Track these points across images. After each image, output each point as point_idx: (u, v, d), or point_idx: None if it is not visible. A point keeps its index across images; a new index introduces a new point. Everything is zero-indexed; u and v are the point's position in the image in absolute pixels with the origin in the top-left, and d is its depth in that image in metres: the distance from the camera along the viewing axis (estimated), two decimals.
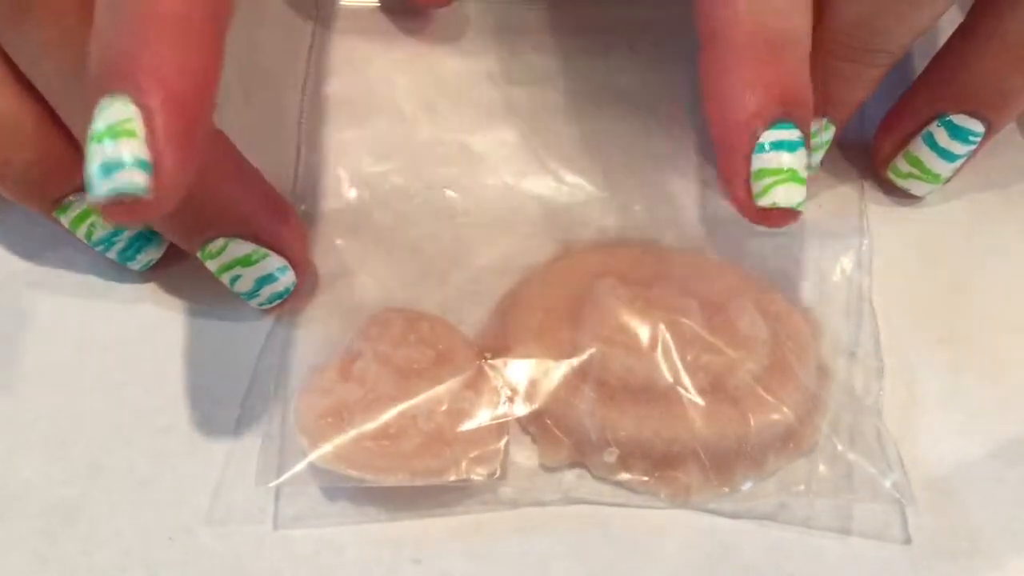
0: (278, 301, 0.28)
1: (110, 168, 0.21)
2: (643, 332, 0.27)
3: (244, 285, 0.27)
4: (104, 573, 0.25)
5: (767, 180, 0.26)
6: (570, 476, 0.27)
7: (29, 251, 0.30)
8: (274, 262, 0.27)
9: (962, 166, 0.31)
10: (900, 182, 0.31)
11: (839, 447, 0.27)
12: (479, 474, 0.25)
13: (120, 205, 0.21)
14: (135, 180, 0.21)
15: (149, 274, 0.30)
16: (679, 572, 0.26)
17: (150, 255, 0.29)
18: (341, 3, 0.35)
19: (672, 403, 0.26)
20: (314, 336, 0.28)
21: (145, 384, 0.28)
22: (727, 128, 0.27)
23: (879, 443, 0.27)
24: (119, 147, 0.21)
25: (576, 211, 0.31)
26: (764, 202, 0.26)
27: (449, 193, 0.31)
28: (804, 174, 0.26)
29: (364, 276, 0.30)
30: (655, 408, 0.26)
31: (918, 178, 0.31)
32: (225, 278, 0.27)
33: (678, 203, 0.31)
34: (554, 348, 0.27)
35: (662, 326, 0.27)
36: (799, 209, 0.26)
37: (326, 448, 0.25)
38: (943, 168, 0.30)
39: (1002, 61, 0.28)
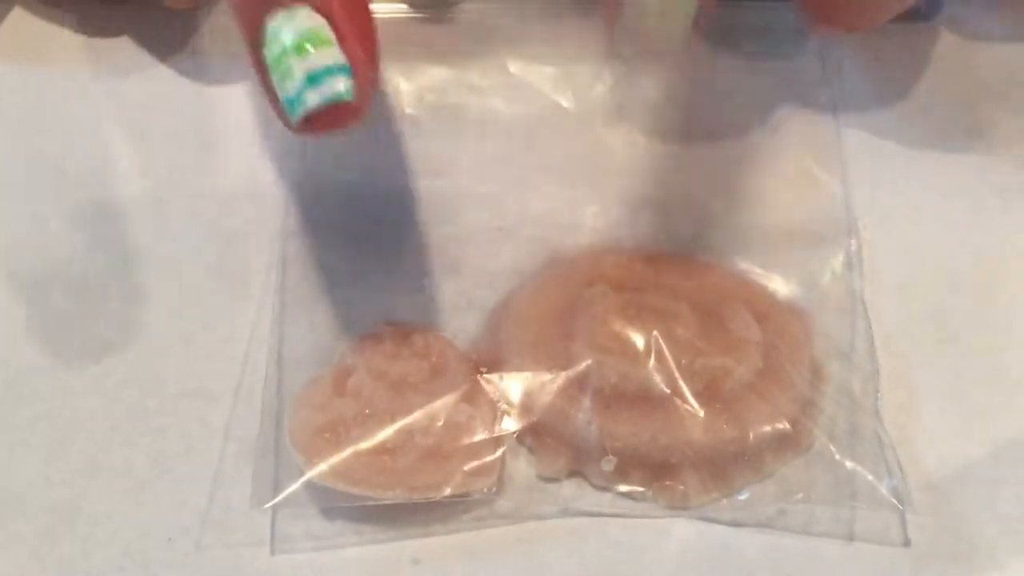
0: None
1: (316, 78, 0.22)
2: (637, 339, 0.27)
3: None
4: (103, 573, 0.25)
5: None
6: (568, 488, 0.27)
7: (29, 251, 0.30)
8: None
9: None
10: None
11: (837, 455, 0.27)
12: (477, 488, 0.25)
13: (326, 115, 0.22)
14: (342, 87, 0.22)
15: (148, 272, 0.30)
16: (679, 574, 0.26)
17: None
18: None
19: (668, 410, 0.26)
20: (306, 350, 0.28)
21: (144, 385, 0.28)
22: None
23: (878, 447, 0.27)
24: (320, 57, 0.22)
25: (564, 219, 0.31)
26: None
27: (438, 203, 0.31)
28: None
29: (355, 288, 0.29)
30: (651, 415, 0.26)
31: None
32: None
33: (666, 208, 0.31)
34: (549, 359, 0.27)
35: (655, 332, 0.27)
36: None
37: (322, 466, 0.25)
38: None
39: None
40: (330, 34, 0.23)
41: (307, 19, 0.23)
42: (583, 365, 0.26)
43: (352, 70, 0.23)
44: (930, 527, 0.26)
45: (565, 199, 0.32)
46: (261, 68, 0.24)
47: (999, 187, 0.33)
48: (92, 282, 0.29)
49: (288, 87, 0.23)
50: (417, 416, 0.26)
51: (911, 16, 0.34)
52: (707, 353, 0.27)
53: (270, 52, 0.23)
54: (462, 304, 0.29)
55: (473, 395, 0.27)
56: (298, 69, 0.23)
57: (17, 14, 0.35)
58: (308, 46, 0.23)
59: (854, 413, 0.28)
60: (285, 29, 0.23)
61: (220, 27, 0.35)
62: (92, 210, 0.31)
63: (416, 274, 0.30)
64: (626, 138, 0.33)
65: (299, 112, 0.23)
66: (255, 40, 0.24)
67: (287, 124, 0.24)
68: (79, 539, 0.26)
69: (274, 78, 0.23)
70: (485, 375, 0.27)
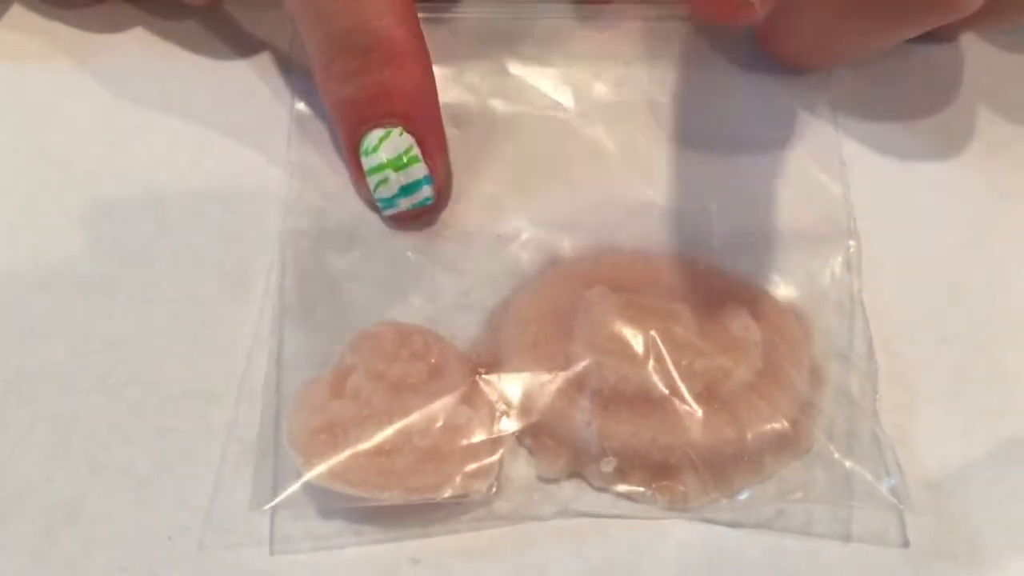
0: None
1: (407, 189, 0.29)
2: (636, 340, 0.27)
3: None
4: (104, 573, 0.25)
5: None
6: (568, 488, 0.27)
7: (29, 251, 0.30)
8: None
9: None
10: None
11: (836, 454, 0.27)
12: (476, 489, 0.25)
13: (413, 212, 0.30)
14: (427, 194, 0.29)
15: (148, 272, 0.30)
16: (678, 573, 0.26)
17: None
18: None
19: (668, 411, 0.26)
20: (305, 351, 0.28)
21: (146, 385, 0.28)
22: None
23: (876, 447, 0.27)
24: (412, 172, 0.29)
25: (563, 219, 0.31)
26: None
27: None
28: None
29: (354, 289, 0.29)
30: (651, 416, 0.26)
31: None
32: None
33: (666, 209, 0.31)
34: (548, 360, 0.27)
35: (654, 333, 0.27)
36: None
37: (321, 467, 0.25)
38: None
39: None
40: (418, 152, 0.29)
41: (400, 138, 0.29)
42: (582, 366, 0.27)
43: (432, 179, 0.29)
44: (929, 527, 0.26)
45: (564, 199, 0.32)
46: (358, 165, 0.30)
47: (998, 187, 0.33)
48: (94, 282, 0.29)
49: (383, 192, 0.29)
50: (415, 417, 0.26)
51: (932, 39, 0.34)
52: (706, 354, 0.27)
53: (367, 161, 0.29)
54: (462, 304, 0.29)
55: (472, 396, 0.27)
56: (394, 181, 0.29)
57: (17, 13, 0.35)
58: (402, 161, 0.29)
59: (853, 413, 0.28)
60: (383, 146, 0.29)
61: (222, 27, 0.35)
62: (93, 210, 0.31)
63: (416, 274, 0.30)
64: (626, 138, 0.33)
65: (391, 211, 0.30)
66: (355, 144, 0.29)
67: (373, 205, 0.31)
68: (80, 538, 0.26)
69: (370, 180, 0.29)
70: (484, 376, 0.27)
